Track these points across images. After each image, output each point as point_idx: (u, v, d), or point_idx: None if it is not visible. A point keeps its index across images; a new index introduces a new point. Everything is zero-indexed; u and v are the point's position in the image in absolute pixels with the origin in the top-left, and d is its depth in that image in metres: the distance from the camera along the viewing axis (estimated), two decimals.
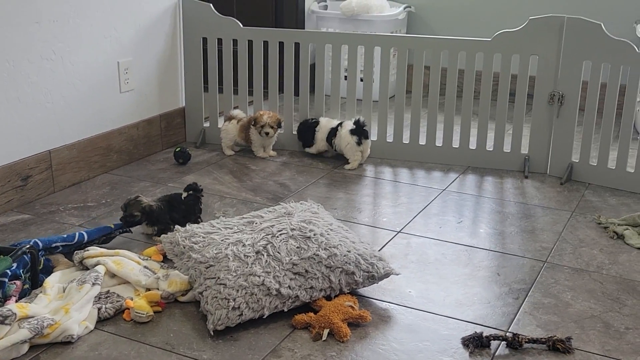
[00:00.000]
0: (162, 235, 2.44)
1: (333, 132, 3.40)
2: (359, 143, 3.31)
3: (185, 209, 2.63)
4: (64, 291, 2.13)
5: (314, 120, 3.50)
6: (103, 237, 2.47)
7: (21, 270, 2.14)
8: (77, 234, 2.40)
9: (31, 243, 2.24)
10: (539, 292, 2.25)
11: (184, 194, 2.66)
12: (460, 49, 3.28)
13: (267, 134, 3.39)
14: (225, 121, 3.55)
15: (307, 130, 3.48)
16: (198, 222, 2.59)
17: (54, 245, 2.33)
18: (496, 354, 1.94)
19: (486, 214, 2.86)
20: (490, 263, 2.45)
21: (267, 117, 3.38)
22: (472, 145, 3.38)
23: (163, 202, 2.60)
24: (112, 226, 2.50)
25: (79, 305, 2.03)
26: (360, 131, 3.31)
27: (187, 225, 2.46)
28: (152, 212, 2.54)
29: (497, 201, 2.98)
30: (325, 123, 3.46)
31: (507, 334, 1.99)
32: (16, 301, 2.05)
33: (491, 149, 3.36)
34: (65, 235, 2.38)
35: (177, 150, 3.39)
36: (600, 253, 2.52)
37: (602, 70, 3.04)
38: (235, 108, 3.61)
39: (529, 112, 3.32)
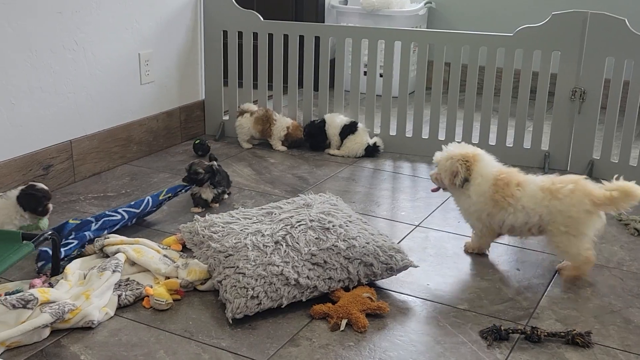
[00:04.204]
0: (181, 225, 2.46)
1: (348, 130, 3.41)
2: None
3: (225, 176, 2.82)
4: (84, 278, 2.15)
5: (319, 120, 3.51)
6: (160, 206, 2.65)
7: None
8: (144, 199, 2.57)
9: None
10: (558, 287, 2.24)
11: (215, 164, 2.78)
12: (481, 44, 3.27)
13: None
14: (237, 116, 3.55)
15: (317, 132, 3.48)
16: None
17: (115, 216, 2.47)
18: (515, 346, 1.93)
19: None
20: (509, 258, 2.43)
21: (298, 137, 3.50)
22: (492, 141, 3.36)
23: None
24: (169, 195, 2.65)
25: (100, 291, 2.04)
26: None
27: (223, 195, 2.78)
28: (214, 172, 2.67)
29: None
30: (333, 119, 3.47)
31: (526, 327, 1.98)
32: (44, 284, 2.09)
33: (511, 145, 3.34)
34: (132, 202, 2.55)
35: (196, 142, 3.40)
36: (621, 250, 2.50)
37: (625, 67, 3.02)
38: (254, 102, 3.63)
39: (550, 108, 3.30)
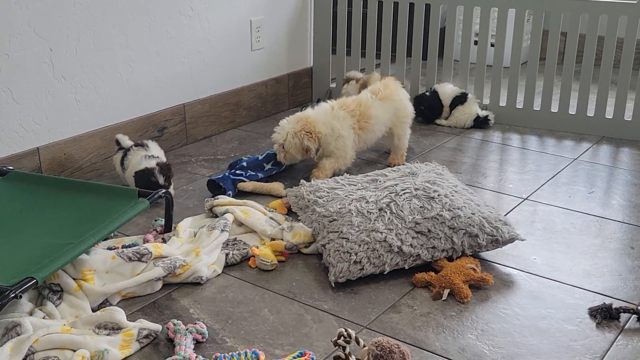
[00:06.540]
0: (287, 189, 2.50)
1: (457, 101, 3.36)
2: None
3: None
4: (194, 236, 2.23)
5: (430, 90, 3.44)
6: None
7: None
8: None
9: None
10: None
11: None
12: (601, 12, 3.11)
13: None
14: (343, 84, 3.55)
15: (433, 102, 3.42)
16: None
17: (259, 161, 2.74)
18: (625, 327, 1.86)
19: (620, 185, 2.73)
20: (622, 235, 2.34)
21: None
22: (609, 114, 3.22)
23: None
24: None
25: (209, 249, 2.12)
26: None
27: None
28: None
29: (633, 173, 2.83)
30: (444, 89, 3.41)
31: (639, 307, 1.90)
32: (156, 240, 2.19)
33: (629, 119, 3.18)
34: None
35: (303, 109, 3.43)
36: None
37: None
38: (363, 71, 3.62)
39: None
